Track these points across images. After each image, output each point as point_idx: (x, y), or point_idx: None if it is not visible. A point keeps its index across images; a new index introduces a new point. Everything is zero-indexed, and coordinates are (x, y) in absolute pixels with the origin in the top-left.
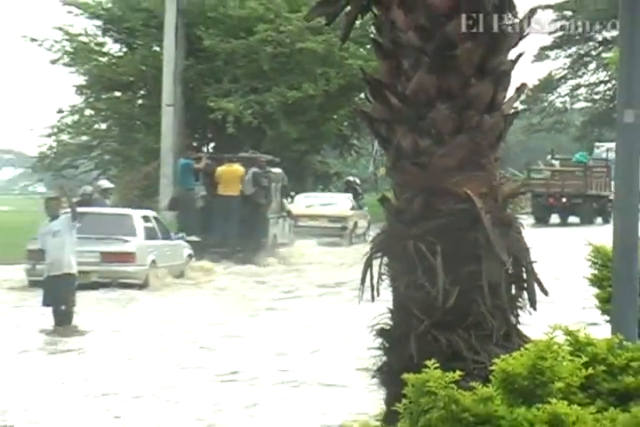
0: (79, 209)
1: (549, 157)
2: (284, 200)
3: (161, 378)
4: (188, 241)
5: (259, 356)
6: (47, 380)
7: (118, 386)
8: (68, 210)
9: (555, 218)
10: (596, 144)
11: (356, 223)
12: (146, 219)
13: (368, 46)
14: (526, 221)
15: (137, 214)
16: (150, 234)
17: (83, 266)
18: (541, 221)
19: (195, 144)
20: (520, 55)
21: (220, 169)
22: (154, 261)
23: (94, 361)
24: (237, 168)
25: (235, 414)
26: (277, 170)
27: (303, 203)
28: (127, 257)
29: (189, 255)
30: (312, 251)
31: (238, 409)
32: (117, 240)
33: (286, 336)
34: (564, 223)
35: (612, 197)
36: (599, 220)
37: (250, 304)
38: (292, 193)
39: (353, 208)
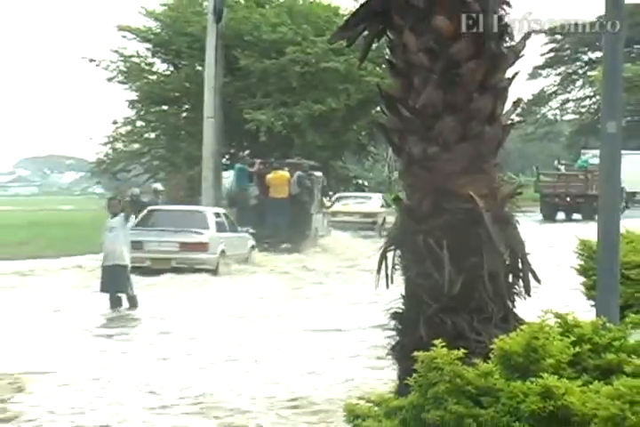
0: (166, 207)
1: (556, 162)
2: (324, 199)
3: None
4: (250, 233)
5: (311, 329)
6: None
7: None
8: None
9: (560, 215)
10: (583, 151)
11: (384, 219)
12: (217, 215)
13: (383, 66)
14: (535, 217)
15: (209, 211)
16: (220, 227)
17: (163, 254)
18: (549, 218)
19: (232, 151)
20: (516, 73)
21: (269, 176)
22: (223, 251)
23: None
24: (284, 174)
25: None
26: (318, 173)
27: (340, 201)
28: (201, 247)
29: (252, 246)
30: (347, 242)
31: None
32: (193, 232)
33: (335, 312)
34: (568, 220)
35: None
36: None
37: (302, 286)
38: (331, 193)
39: (382, 206)
